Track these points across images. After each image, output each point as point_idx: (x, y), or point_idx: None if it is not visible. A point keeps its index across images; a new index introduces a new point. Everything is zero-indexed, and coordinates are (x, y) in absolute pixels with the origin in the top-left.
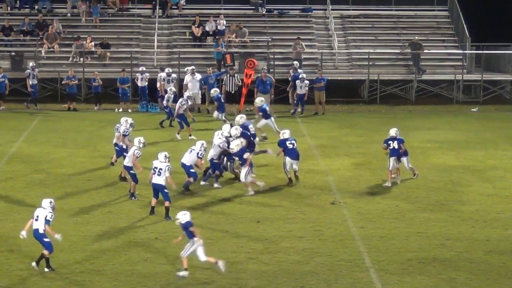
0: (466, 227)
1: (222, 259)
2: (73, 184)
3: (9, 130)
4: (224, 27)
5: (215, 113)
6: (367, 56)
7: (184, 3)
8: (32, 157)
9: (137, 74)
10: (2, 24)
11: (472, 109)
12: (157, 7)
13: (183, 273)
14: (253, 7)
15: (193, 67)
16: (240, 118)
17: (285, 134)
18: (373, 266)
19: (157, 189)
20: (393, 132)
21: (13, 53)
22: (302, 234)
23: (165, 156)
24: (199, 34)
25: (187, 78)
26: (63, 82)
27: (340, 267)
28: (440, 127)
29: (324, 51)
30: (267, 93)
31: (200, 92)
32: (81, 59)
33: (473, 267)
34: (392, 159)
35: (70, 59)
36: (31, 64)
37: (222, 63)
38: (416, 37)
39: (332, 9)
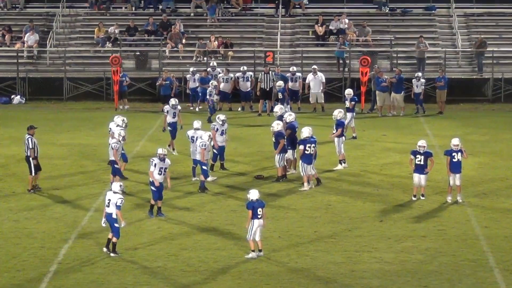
0: None
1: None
2: (195, 184)
3: (133, 129)
4: (346, 26)
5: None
6: (491, 55)
7: (307, 2)
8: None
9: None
10: (127, 24)
11: None
12: (280, 6)
13: (251, 255)
14: (376, 6)
15: (315, 67)
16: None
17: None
18: (498, 266)
19: None
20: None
21: (138, 53)
22: (425, 234)
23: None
24: (322, 33)
25: (309, 77)
26: (157, 83)
27: (463, 267)
28: None
29: (447, 49)
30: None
31: (321, 91)
32: (205, 58)
33: None
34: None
35: (194, 58)
36: (191, 69)
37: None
38: None
39: (455, 8)
